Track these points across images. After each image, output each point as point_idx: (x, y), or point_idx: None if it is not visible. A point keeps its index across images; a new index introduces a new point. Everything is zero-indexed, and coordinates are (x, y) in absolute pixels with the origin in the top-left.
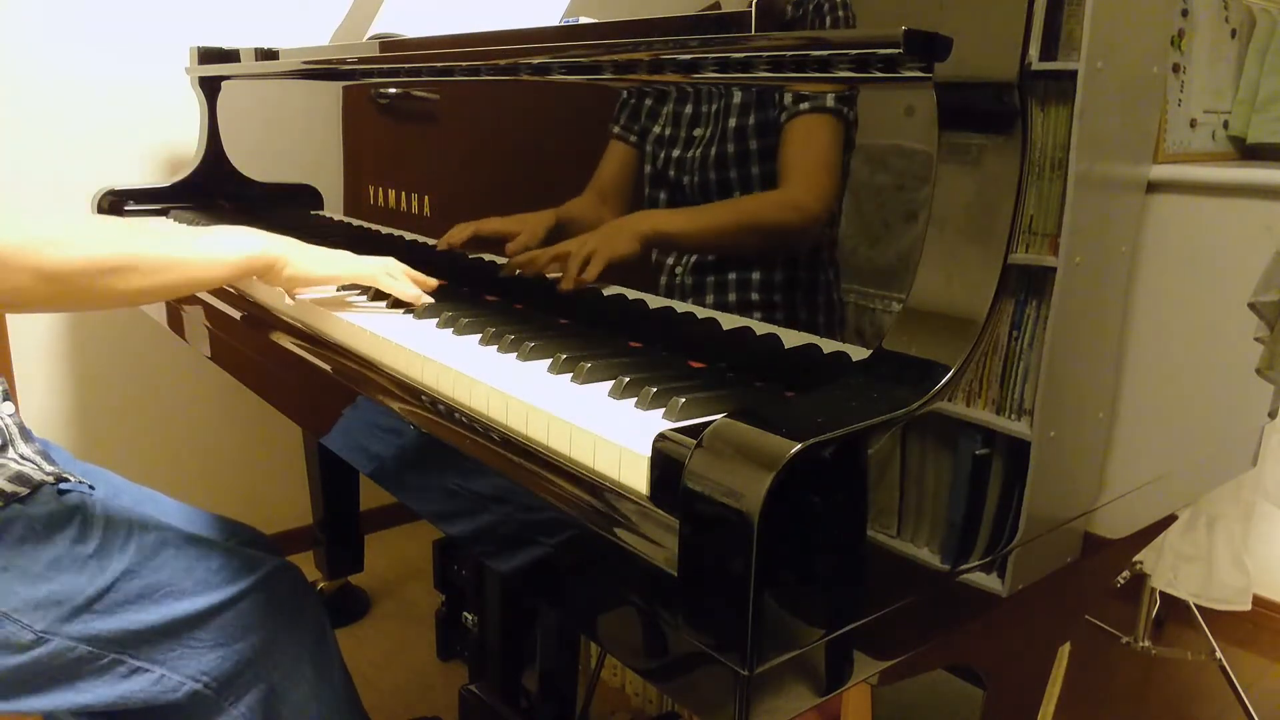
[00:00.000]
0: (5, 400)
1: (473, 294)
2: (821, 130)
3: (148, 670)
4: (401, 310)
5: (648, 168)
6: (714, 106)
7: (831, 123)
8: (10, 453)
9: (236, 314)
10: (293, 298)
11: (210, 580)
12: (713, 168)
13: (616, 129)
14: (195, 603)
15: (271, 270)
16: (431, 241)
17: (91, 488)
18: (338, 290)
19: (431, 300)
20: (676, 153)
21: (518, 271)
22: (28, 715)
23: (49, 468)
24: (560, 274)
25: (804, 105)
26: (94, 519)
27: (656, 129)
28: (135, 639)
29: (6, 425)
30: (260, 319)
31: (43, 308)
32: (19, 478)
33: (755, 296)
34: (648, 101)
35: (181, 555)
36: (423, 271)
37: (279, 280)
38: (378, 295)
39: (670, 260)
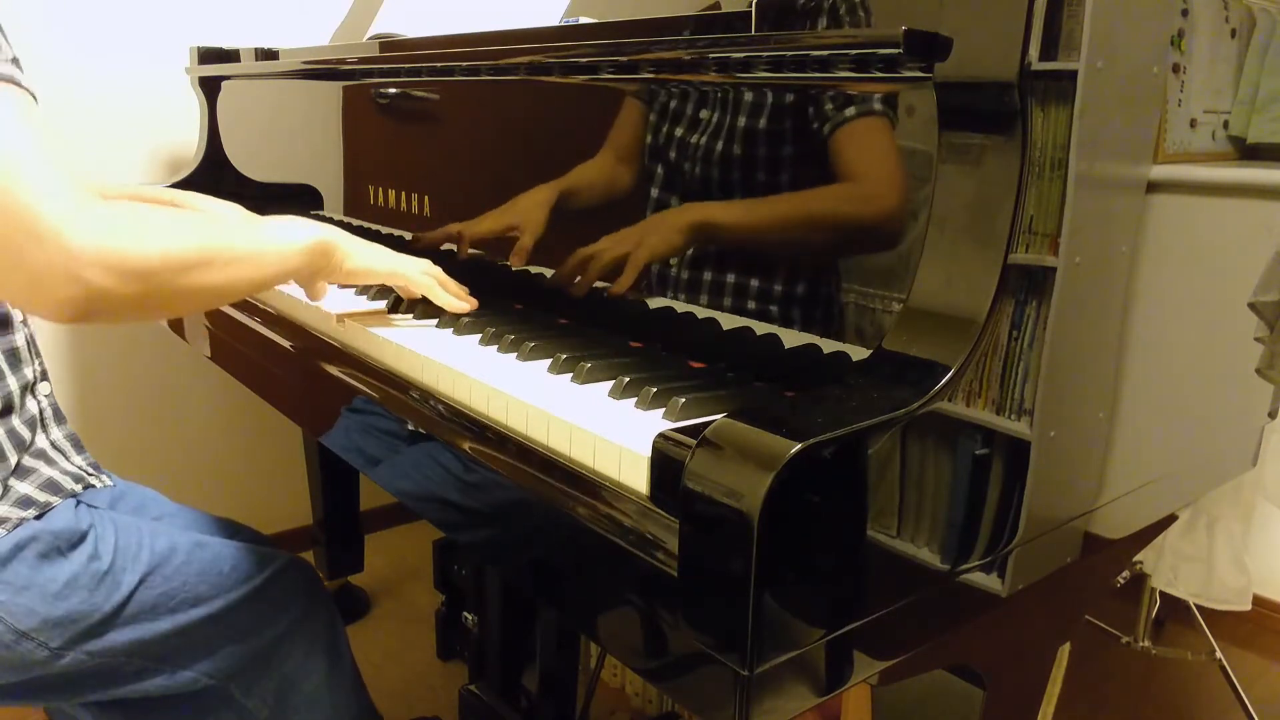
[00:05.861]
0: (43, 379)
1: (473, 293)
2: (878, 132)
3: (161, 669)
4: (400, 313)
5: (648, 138)
6: (724, 94)
7: (885, 124)
8: (42, 440)
9: (235, 313)
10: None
11: (223, 583)
12: (716, 164)
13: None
14: (210, 606)
15: (330, 260)
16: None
17: (112, 484)
18: (339, 287)
19: (468, 310)
20: (680, 132)
21: (576, 279)
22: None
23: (77, 459)
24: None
25: (850, 110)
26: (107, 533)
27: (664, 96)
28: (151, 646)
29: (43, 408)
30: (259, 318)
31: (132, 314)
32: (50, 485)
33: (755, 296)
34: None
35: (194, 561)
36: None
37: (336, 274)
38: (378, 294)
39: (671, 261)
